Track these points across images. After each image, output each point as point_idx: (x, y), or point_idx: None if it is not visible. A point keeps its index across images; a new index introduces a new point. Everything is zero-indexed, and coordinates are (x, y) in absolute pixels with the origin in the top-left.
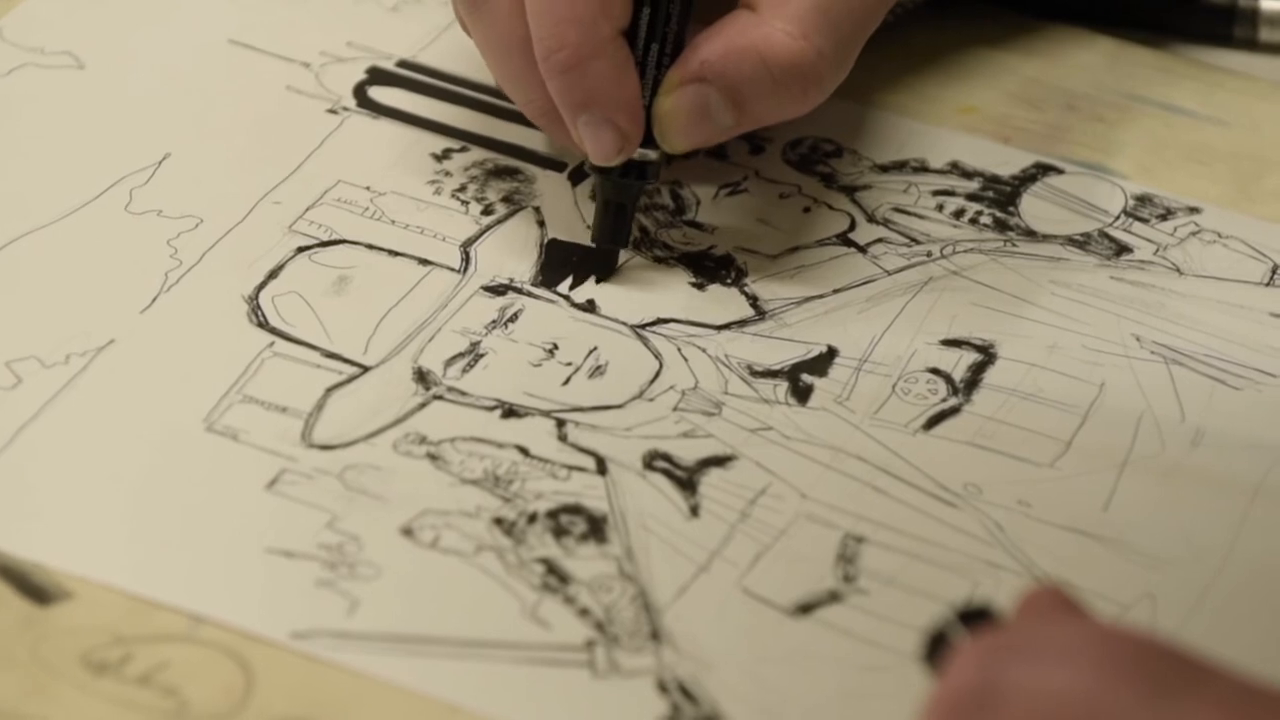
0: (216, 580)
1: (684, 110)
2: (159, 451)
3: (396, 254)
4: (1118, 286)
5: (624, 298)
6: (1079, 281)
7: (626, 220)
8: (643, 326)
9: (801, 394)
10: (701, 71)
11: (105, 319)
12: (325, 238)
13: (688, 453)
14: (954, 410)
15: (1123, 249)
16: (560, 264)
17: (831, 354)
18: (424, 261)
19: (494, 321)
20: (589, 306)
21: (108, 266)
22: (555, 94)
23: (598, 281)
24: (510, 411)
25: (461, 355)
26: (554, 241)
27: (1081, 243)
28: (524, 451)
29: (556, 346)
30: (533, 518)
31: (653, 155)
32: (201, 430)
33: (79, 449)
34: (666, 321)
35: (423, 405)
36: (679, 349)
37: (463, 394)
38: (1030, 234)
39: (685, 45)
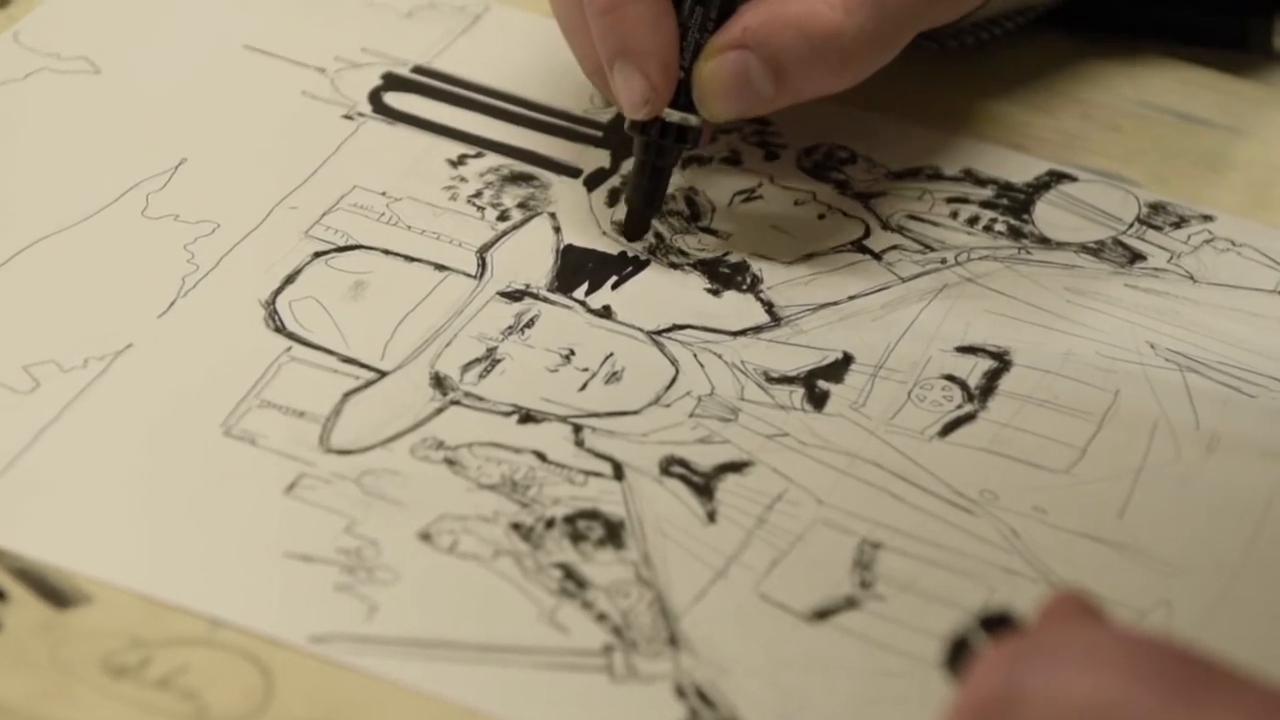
0: (235, 584)
1: (724, 76)
2: (177, 455)
3: (413, 259)
4: (1132, 294)
5: (640, 304)
6: (1093, 289)
7: (662, 183)
8: (659, 332)
9: (818, 400)
10: (743, 38)
11: (123, 323)
12: (342, 243)
13: (704, 458)
14: (969, 417)
15: (1136, 256)
16: (576, 270)
17: (847, 360)
18: (440, 267)
19: (510, 327)
20: (605, 312)
21: (125, 271)
22: (595, 39)
23: (629, 239)
24: (527, 417)
25: (478, 361)
26: (570, 247)
27: (1095, 250)
28: (541, 457)
29: (573, 352)
30: (550, 523)
31: (694, 120)
32: (219, 435)
33: (97, 453)
34: (682, 327)
35: (440, 411)
36: (695, 355)
37: (480, 399)
38: (1044, 241)
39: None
